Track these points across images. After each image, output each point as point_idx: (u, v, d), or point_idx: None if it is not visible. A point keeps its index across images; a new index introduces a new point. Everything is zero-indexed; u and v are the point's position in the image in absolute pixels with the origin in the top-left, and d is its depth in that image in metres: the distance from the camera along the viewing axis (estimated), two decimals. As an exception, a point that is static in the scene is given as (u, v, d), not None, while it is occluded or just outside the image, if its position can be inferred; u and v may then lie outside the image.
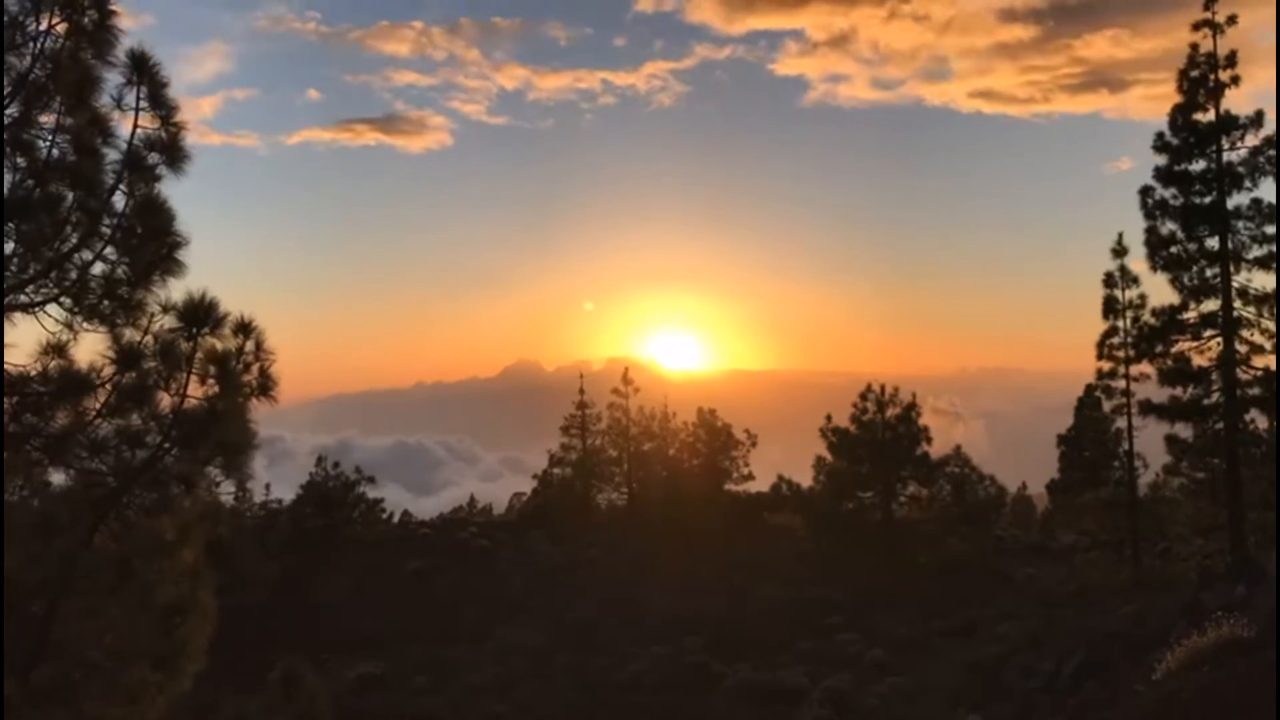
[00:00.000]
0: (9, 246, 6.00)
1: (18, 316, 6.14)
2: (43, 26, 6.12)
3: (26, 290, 6.13)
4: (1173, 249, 22.45)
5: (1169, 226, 22.49)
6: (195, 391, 6.24)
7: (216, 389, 6.22)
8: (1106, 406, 27.00)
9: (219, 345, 6.25)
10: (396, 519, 37.22)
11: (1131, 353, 24.73)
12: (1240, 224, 21.86)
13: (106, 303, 6.35)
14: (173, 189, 6.55)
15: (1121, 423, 27.10)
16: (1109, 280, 25.37)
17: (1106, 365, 25.57)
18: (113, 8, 6.29)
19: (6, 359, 6.10)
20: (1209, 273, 22.17)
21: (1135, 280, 25.06)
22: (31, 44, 6.09)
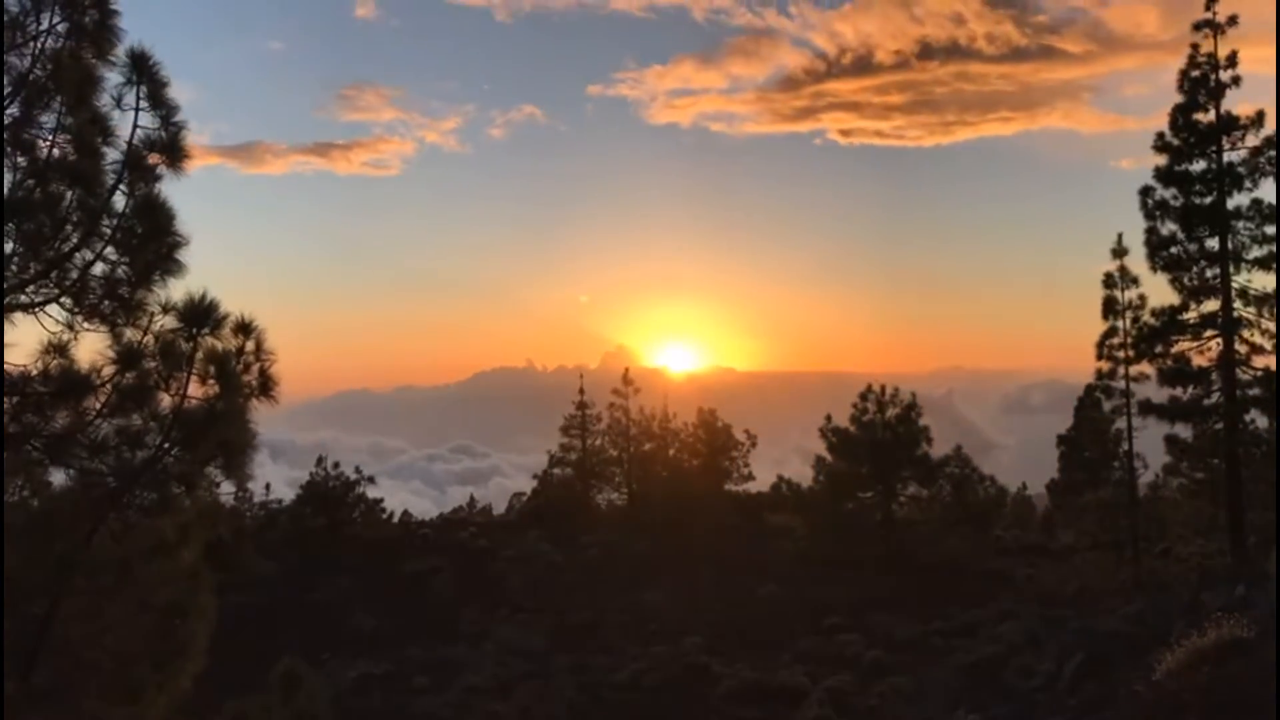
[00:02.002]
0: (9, 246, 6.00)
1: (18, 316, 6.14)
2: (43, 26, 6.12)
3: (27, 290, 6.13)
4: (1173, 249, 22.46)
5: (1169, 227, 22.50)
6: (195, 392, 6.24)
7: (217, 389, 6.22)
8: (1106, 407, 26.99)
9: (219, 345, 6.25)
10: (396, 519, 37.24)
11: (1131, 353, 24.73)
12: (1240, 224, 21.88)
13: (107, 302, 6.34)
14: (173, 189, 6.56)
15: (1121, 423, 27.11)
16: (1108, 280, 25.37)
17: (1106, 365, 25.57)
18: (113, 7, 6.30)
19: (7, 359, 6.11)
20: (1209, 273, 22.18)
21: (1135, 280, 25.07)
22: (32, 43, 6.09)
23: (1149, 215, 22.67)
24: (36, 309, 6.23)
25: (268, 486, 33.43)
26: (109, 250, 6.32)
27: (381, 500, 33.71)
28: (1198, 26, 22.03)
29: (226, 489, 6.56)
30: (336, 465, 32.40)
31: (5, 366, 6.10)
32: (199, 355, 6.21)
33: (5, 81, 6.05)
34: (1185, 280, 22.39)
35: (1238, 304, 21.90)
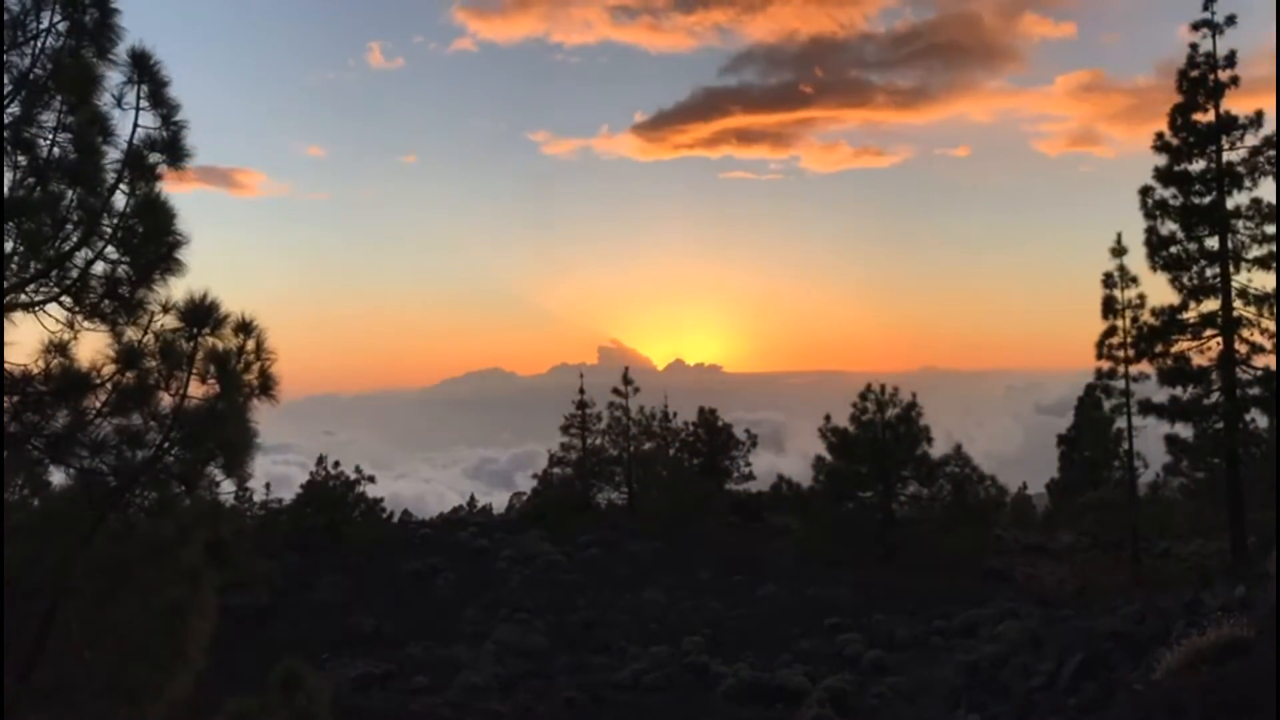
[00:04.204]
0: (9, 245, 5.99)
1: (18, 315, 6.13)
2: (44, 25, 6.12)
3: (27, 289, 6.12)
4: (1173, 249, 22.48)
5: (1169, 226, 22.51)
6: (196, 391, 6.24)
7: (217, 389, 6.22)
8: (1106, 406, 27.01)
9: (220, 345, 6.25)
10: (396, 519, 37.24)
11: (1131, 352, 24.73)
12: (1240, 224, 21.89)
13: (107, 301, 6.34)
14: (173, 188, 6.55)
15: (1121, 423, 27.12)
16: (1108, 280, 25.38)
17: (1106, 365, 25.58)
18: (114, 6, 6.29)
19: (7, 358, 6.10)
20: (1209, 273, 22.20)
21: (1134, 280, 25.08)
22: (32, 42, 6.09)
23: (1149, 215, 22.68)
24: (37, 308, 6.23)
25: (268, 486, 33.44)
26: (109, 249, 6.31)
27: (382, 500, 33.72)
28: (1196, 26, 22.04)
29: (227, 488, 6.56)
30: (337, 464, 32.42)
31: (5, 366, 6.09)
32: (199, 354, 6.21)
33: (5, 80, 6.04)
34: (1185, 280, 22.40)
35: (1238, 303, 21.92)
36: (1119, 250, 25.29)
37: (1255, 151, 21.62)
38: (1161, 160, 22.51)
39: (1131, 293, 25.01)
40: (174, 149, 6.46)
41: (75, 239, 6.23)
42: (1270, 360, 21.52)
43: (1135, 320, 24.51)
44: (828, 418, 32.13)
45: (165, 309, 6.33)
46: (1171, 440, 23.39)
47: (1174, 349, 22.69)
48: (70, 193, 6.17)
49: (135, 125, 6.37)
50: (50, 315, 6.29)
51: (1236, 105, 21.74)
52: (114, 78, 6.33)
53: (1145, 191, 22.64)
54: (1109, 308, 25.10)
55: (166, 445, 6.22)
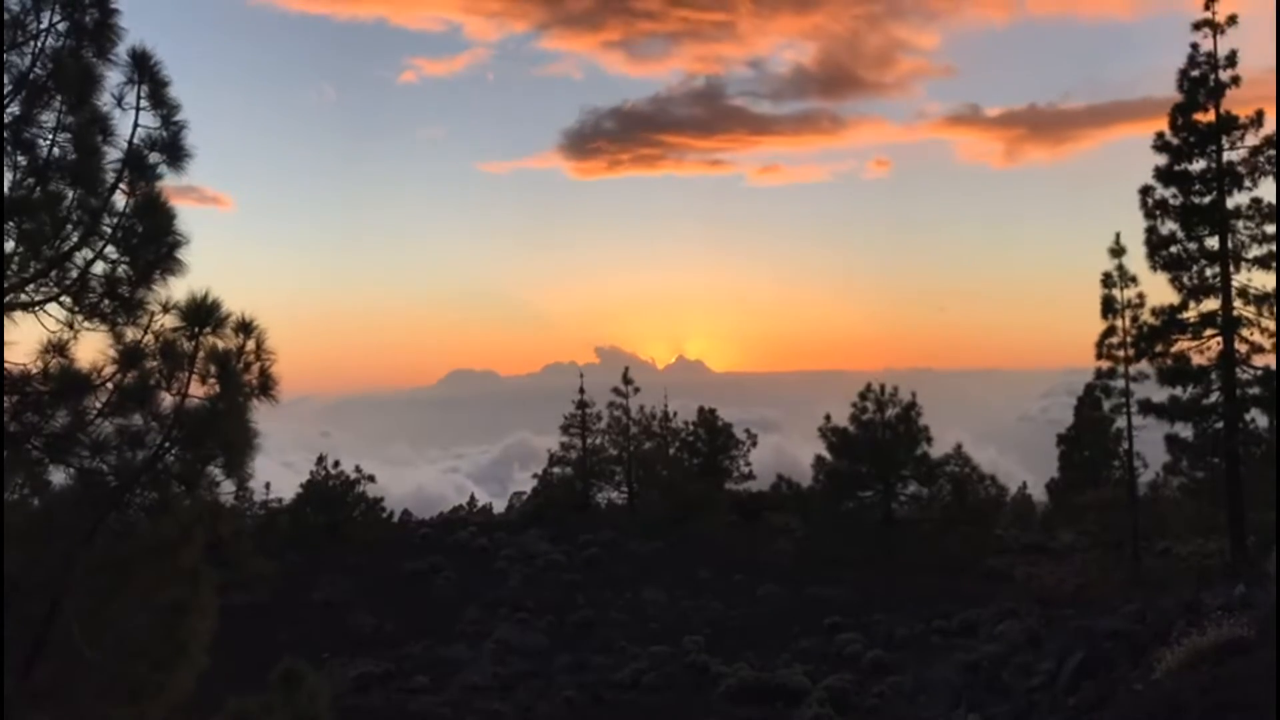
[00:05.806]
0: (9, 245, 5.99)
1: (18, 315, 6.12)
2: (44, 25, 6.12)
3: (27, 289, 6.12)
4: (1172, 248, 22.46)
5: (1169, 226, 22.49)
6: (196, 391, 6.23)
7: (217, 388, 6.21)
8: (1106, 406, 26.99)
9: (220, 345, 6.24)
10: (396, 518, 37.25)
11: (1131, 352, 24.71)
12: (1240, 224, 21.88)
13: (107, 301, 6.33)
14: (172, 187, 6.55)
15: (1121, 423, 27.11)
16: (1107, 280, 25.35)
17: (1106, 364, 25.55)
18: (114, 6, 6.29)
19: (7, 358, 6.10)
20: (1209, 272, 22.19)
21: (1134, 279, 25.06)
22: (32, 42, 6.08)
23: (1149, 214, 22.66)
24: (37, 308, 6.22)
25: (268, 485, 33.44)
26: (109, 249, 6.31)
27: (382, 499, 33.71)
28: (1197, 26, 22.03)
29: (227, 488, 6.55)
30: (337, 464, 32.42)
31: (5, 365, 6.09)
32: (200, 354, 6.21)
33: (5, 80, 6.04)
34: (1185, 279, 22.39)
35: (1237, 303, 21.91)
36: (1118, 250, 25.26)
37: (1255, 151, 21.60)
38: (1161, 160, 22.49)
39: (1131, 292, 25.00)
40: (174, 149, 6.46)
41: (75, 239, 6.23)
42: (1270, 360, 21.52)
43: (1135, 320, 24.49)
44: (828, 417, 32.10)
45: (165, 309, 6.32)
46: (1171, 440, 23.37)
47: (1174, 349, 22.68)
48: (70, 193, 6.17)
49: (135, 125, 6.37)
50: (50, 315, 6.28)
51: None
52: (114, 78, 6.34)
53: (1145, 191, 22.62)
54: (1108, 307, 25.07)
55: (167, 445, 6.21)
